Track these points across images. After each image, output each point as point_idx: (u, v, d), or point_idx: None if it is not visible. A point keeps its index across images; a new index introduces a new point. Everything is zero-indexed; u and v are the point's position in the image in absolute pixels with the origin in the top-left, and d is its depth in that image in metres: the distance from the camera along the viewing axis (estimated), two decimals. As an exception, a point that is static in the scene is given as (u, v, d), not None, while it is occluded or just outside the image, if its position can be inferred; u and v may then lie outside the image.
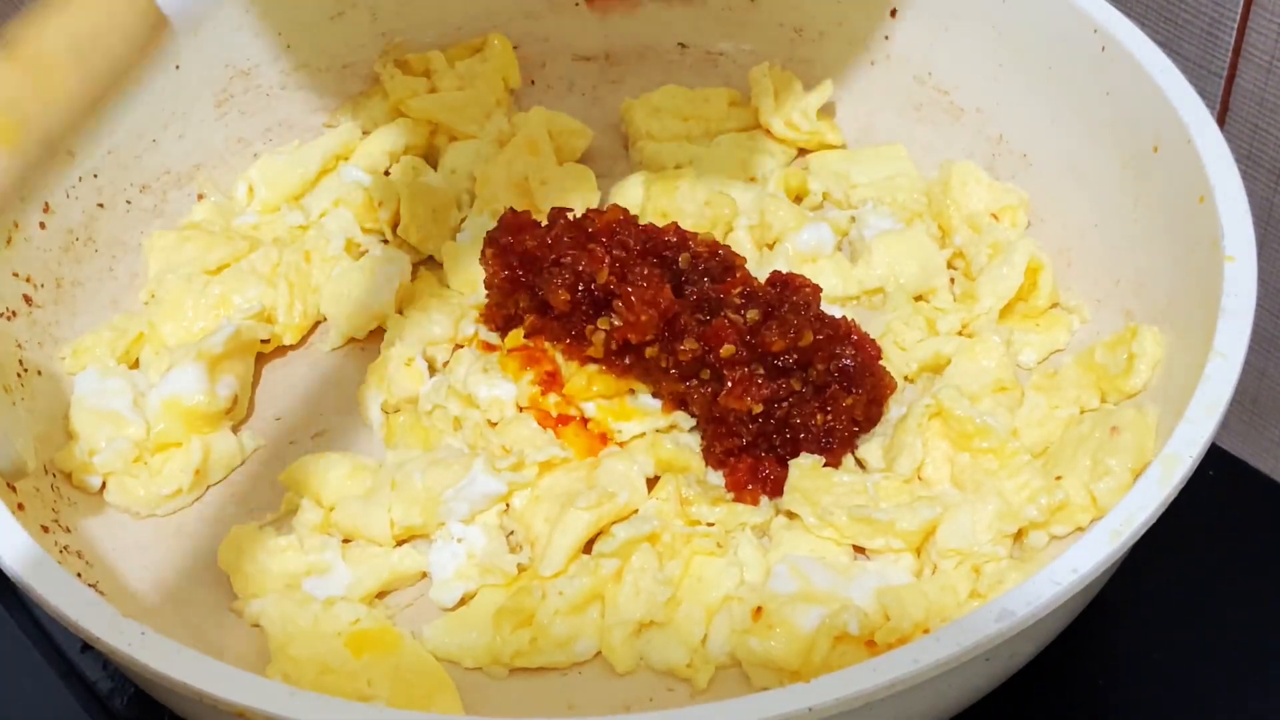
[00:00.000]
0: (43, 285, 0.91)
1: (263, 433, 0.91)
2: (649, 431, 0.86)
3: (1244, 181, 0.79)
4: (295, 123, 1.06)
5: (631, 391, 0.87)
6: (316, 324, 0.97)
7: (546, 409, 0.87)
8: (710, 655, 0.77)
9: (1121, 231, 0.89)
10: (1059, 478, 0.79)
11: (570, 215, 0.90)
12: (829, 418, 0.83)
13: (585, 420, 0.87)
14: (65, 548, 0.80)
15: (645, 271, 0.85)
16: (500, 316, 0.90)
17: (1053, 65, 0.93)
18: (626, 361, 0.85)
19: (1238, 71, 1.00)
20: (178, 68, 0.97)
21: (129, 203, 0.98)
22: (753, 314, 0.84)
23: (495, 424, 0.87)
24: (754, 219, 0.98)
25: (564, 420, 0.87)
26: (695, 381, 0.84)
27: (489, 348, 0.91)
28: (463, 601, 0.81)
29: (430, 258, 1.00)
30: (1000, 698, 0.72)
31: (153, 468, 0.86)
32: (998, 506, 0.78)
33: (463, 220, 1.01)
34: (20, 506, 0.77)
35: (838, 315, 0.87)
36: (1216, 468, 0.86)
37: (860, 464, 0.85)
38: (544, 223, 0.89)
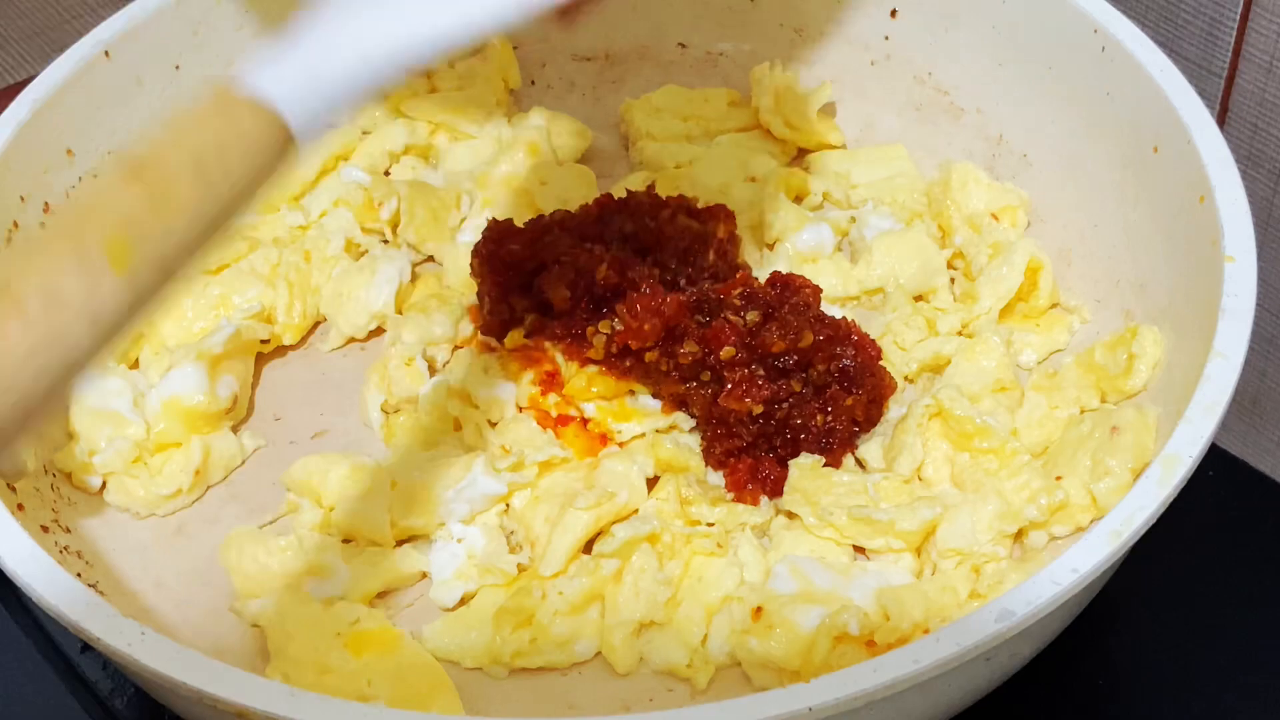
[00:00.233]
0: (43, 285, 0.91)
1: (263, 433, 0.91)
2: (649, 432, 0.86)
3: (1244, 181, 0.79)
4: (295, 123, 1.06)
5: (631, 392, 0.87)
6: (316, 324, 0.97)
7: (546, 409, 0.87)
8: (710, 655, 0.77)
9: (1121, 231, 0.89)
10: (1059, 478, 0.79)
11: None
12: (829, 418, 0.83)
13: (585, 420, 0.87)
14: (65, 548, 0.80)
15: (647, 271, 0.85)
16: (495, 324, 0.90)
17: (1053, 65, 0.93)
18: (627, 364, 0.85)
19: (1238, 71, 1.00)
20: (178, 68, 0.97)
21: (129, 203, 0.98)
22: (753, 315, 0.84)
23: (495, 424, 0.87)
24: (754, 219, 0.98)
25: (564, 420, 0.87)
26: (695, 383, 0.84)
27: (489, 348, 0.91)
28: (463, 602, 0.81)
29: (430, 258, 1.00)
30: (1000, 698, 0.72)
31: (153, 468, 0.86)
32: (998, 506, 0.78)
33: (463, 220, 1.01)
34: (20, 506, 0.77)
35: (838, 316, 0.87)
36: (1216, 468, 0.86)
37: (860, 464, 0.85)
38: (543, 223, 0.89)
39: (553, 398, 0.87)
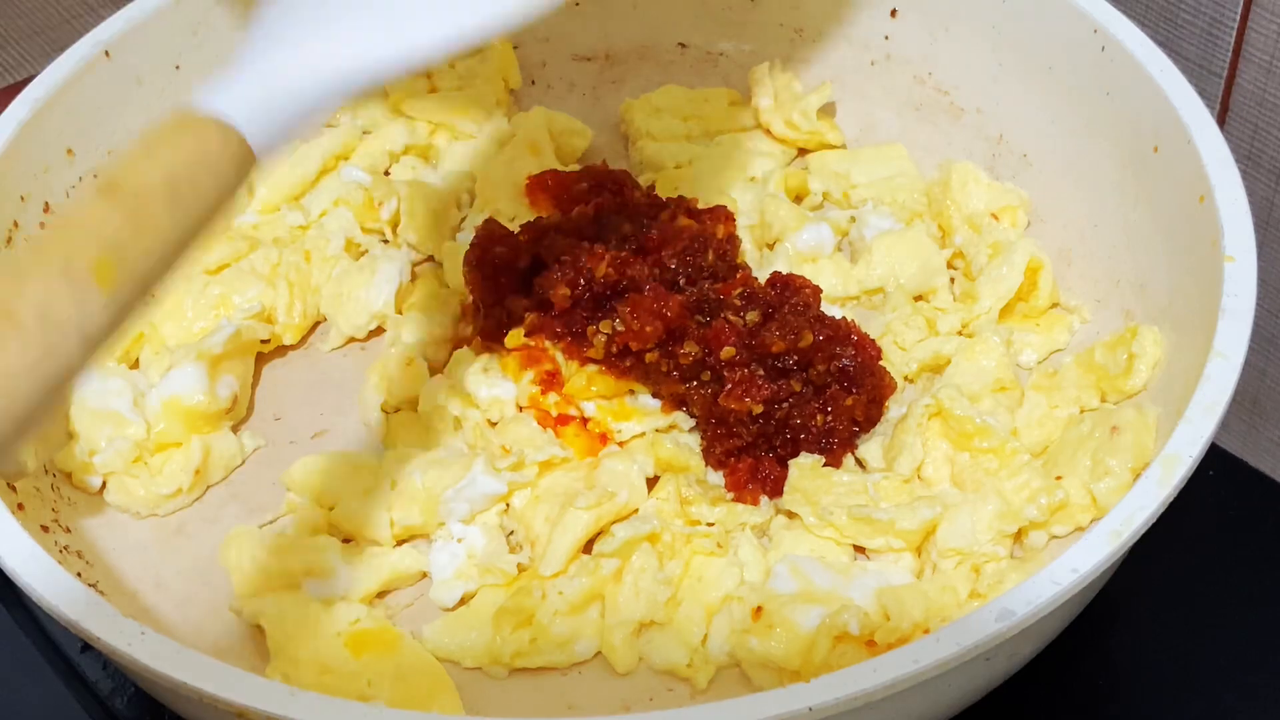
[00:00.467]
0: (43, 285, 0.91)
1: (263, 433, 0.91)
2: (649, 431, 0.86)
3: (1244, 181, 0.79)
4: (295, 123, 1.06)
5: (631, 391, 0.87)
6: (316, 324, 0.97)
7: (546, 409, 0.87)
8: (710, 655, 0.77)
9: (1121, 231, 0.89)
10: (1059, 478, 0.79)
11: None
12: (829, 418, 0.83)
13: (585, 420, 0.87)
14: (65, 548, 0.80)
15: (648, 271, 0.85)
16: (491, 328, 0.90)
17: (1053, 65, 0.93)
18: (627, 364, 0.85)
19: (1238, 71, 1.00)
20: (178, 68, 0.97)
21: (129, 203, 0.98)
22: (753, 315, 0.84)
23: (495, 424, 0.87)
24: (754, 219, 0.98)
25: (564, 420, 0.87)
26: (695, 383, 0.84)
27: (489, 348, 0.91)
28: (463, 601, 0.81)
29: (430, 258, 1.00)
30: (1000, 698, 0.72)
31: (153, 468, 0.86)
32: (998, 506, 0.78)
33: (463, 220, 1.01)
34: (20, 506, 0.77)
35: (838, 316, 0.87)
36: (1216, 468, 0.86)
37: (860, 464, 0.85)
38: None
39: (553, 397, 0.87)
